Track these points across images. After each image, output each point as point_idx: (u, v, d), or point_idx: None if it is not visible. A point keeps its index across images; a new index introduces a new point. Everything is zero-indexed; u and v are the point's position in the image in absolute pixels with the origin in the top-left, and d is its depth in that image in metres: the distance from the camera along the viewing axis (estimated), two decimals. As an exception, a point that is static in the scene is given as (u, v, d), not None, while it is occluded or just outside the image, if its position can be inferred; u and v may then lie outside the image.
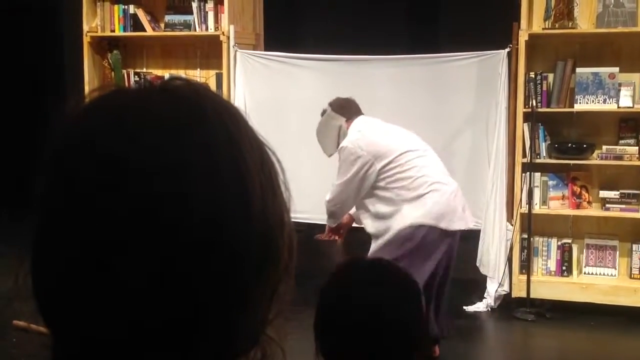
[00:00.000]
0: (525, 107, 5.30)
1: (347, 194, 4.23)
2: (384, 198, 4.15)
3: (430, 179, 4.11)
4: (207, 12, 5.92)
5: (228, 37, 5.81)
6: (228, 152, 0.65)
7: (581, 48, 5.38)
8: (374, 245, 4.20)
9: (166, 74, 6.09)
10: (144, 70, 6.31)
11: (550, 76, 5.36)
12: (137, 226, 0.61)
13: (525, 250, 5.41)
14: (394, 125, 4.36)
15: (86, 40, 6.13)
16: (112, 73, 6.21)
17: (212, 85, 5.82)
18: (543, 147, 5.37)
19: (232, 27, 5.80)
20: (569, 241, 5.48)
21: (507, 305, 5.38)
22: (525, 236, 5.39)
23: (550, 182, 5.43)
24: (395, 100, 5.60)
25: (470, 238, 4.50)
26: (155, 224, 0.61)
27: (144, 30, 6.08)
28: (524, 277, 5.37)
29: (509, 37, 5.36)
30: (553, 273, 5.46)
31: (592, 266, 5.43)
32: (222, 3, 5.83)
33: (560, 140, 5.41)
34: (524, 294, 5.34)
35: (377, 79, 5.66)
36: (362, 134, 4.22)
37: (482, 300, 5.44)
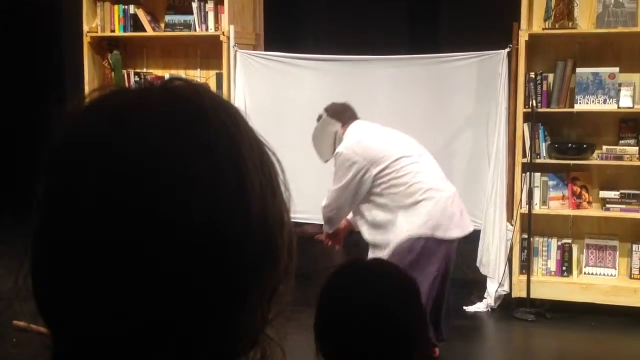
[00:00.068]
0: (525, 107, 5.30)
1: (343, 200, 4.21)
2: (379, 204, 4.14)
3: (425, 186, 4.10)
4: (207, 12, 5.93)
5: (228, 37, 5.81)
6: (228, 152, 0.65)
7: (581, 48, 5.38)
8: (373, 256, 4.19)
9: (166, 74, 6.09)
10: (144, 70, 6.31)
11: (550, 76, 5.36)
12: (137, 226, 0.61)
13: (525, 251, 5.41)
14: (391, 129, 4.34)
15: (86, 40, 6.13)
16: (112, 73, 6.21)
17: (212, 86, 5.83)
18: (543, 147, 5.37)
19: (232, 27, 5.81)
20: (569, 241, 5.48)
21: (507, 305, 5.37)
22: (525, 236, 5.39)
23: (550, 182, 5.43)
24: (395, 100, 5.60)
25: (470, 238, 4.50)
26: (154, 224, 0.61)
27: (144, 30, 6.08)
28: (524, 277, 5.37)
29: (509, 37, 5.36)
30: (553, 273, 5.46)
31: (592, 266, 5.43)
32: (222, 3, 5.83)
33: (560, 141, 5.41)
34: (524, 294, 5.34)
35: (377, 79, 5.66)
36: (357, 139, 4.20)
37: (482, 301, 5.44)
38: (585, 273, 5.43)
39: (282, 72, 5.86)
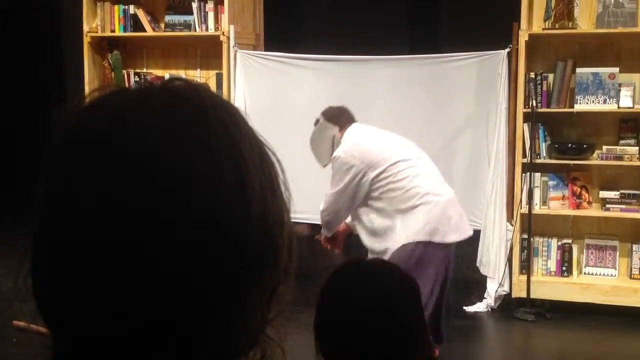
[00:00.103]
0: (525, 107, 5.30)
1: (341, 204, 4.20)
2: (377, 208, 4.13)
3: (422, 190, 4.07)
4: (207, 12, 5.93)
5: (228, 37, 5.81)
6: (228, 152, 0.65)
7: (581, 48, 5.39)
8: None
9: (166, 74, 6.09)
10: (144, 70, 6.31)
11: (550, 76, 5.36)
12: (137, 226, 0.61)
13: (526, 251, 5.41)
14: (388, 132, 4.32)
15: (86, 40, 6.13)
16: (112, 73, 6.21)
17: (212, 86, 5.83)
18: (543, 147, 5.37)
19: (232, 27, 5.81)
20: (569, 241, 5.48)
21: (507, 305, 5.37)
22: (525, 236, 5.39)
23: (551, 183, 5.43)
24: (395, 100, 5.60)
25: (471, 238, 4.50)
26: (154, 224, 0.61)
27: (144, 30, 6.08)
28: (524, 277, 5.37)
29: (509, 37, 5.37)
30: (553, 273, 5.46)
31: (592, 266, 5.43)
32: (222, 3, 5.83)
33: (560, 141, 5.41)
34: (524, 294, 5.34)
35: (377, 79, 5.66)
36: (355, 142, 4.17)
37: (482, 301, 5.44)
38: (585, 273, 5.43)
39: (282, 72, 5.86)
